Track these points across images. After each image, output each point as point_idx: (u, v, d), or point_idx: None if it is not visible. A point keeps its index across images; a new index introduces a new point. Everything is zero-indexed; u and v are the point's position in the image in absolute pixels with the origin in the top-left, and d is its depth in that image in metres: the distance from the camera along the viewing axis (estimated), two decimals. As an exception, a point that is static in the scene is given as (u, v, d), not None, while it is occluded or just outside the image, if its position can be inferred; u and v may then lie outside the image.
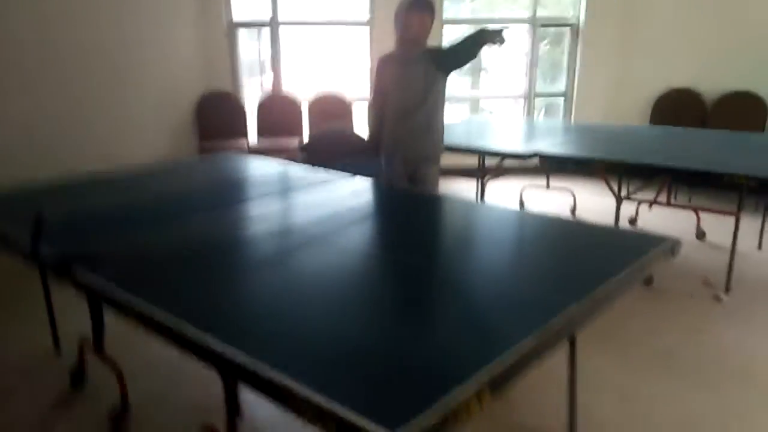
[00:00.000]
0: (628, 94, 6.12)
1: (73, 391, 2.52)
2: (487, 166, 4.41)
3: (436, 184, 3.25)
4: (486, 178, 4.21)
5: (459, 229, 2.30)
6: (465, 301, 1.51)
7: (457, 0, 6.90)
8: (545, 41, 6.91)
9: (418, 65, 3.05)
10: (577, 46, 6.32)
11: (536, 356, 1.24)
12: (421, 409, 0.98)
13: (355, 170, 2.93)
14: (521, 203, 5.20)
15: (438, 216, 2.48)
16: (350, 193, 2.60)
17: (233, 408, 1.85)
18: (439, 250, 1.99)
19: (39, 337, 2.90)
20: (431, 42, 3.14)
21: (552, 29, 6.65)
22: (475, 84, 7.66)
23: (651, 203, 4.37)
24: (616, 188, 3.84)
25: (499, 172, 3.96)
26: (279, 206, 2.45)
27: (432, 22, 3.06)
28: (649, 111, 6.06)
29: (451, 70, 3.10)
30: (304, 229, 2.10)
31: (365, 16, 6.22)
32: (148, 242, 1.98)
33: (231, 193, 2.71)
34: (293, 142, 5.81)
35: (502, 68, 7.23)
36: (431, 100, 3.07)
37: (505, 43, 2.84)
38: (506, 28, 2.85)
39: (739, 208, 3.33)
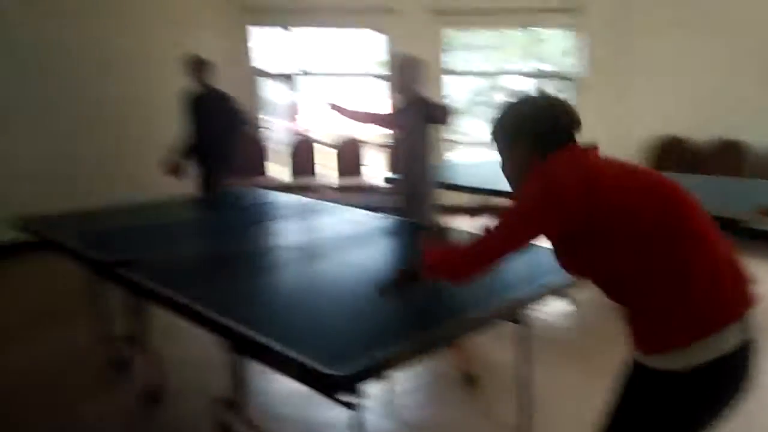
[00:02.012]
0: (625, 140, 6.54)
1: (116, 377, 3.06)
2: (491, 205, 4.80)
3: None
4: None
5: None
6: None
7: (460, 50, 7.47)
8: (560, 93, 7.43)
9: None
10: (578, 96, 6.83)
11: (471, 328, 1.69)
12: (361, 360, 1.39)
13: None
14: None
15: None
16: (351, 221, 3.12)
17: (239, 380, 2.35)
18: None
19: (85, 331, 3.46)
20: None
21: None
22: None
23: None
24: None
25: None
26: (291, 227, 3.00)
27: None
28: (644, 156, 6.48)
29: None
30: (314, 246, 2.64)
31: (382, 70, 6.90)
32: (184, 252, 2.55)
33: (251, 217, 3.29)
34: (313, 180, 6.47)
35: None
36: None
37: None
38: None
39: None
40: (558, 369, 3.05)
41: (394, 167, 3.89)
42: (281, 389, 2.87)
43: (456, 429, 2.62)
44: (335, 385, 1.33)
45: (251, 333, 1.58)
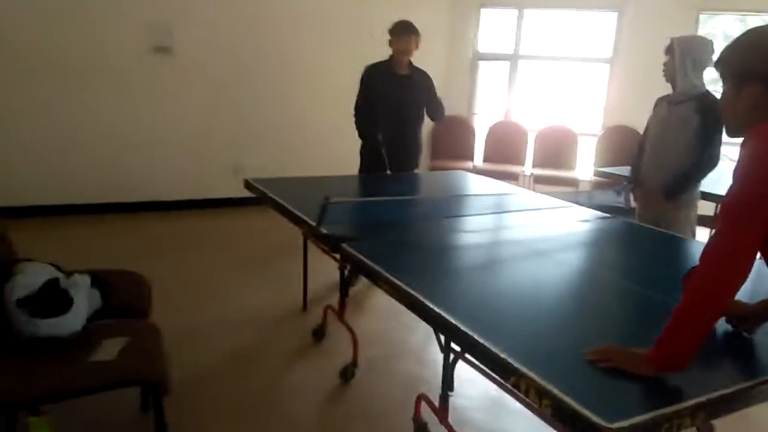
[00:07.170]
0: None
1: (314, 344, 3.11)
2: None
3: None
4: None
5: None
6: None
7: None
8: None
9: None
10: None
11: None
12: (635, 413, 1.11)
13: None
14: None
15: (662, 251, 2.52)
16: (574, 219, 2.79)
17: (448, 382, 2.18)
18: (658, 279, 2.04)
19: (292, 296, 3.61)
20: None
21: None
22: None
23: None
24: None
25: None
26: (507, 221, 2.76)
27: None
28: None
29: None
30: (528, 243, 2.37)
31: (607, 54, 6.27)
32: (401, 235, 2.43)
33: (467, 206, 3.09)
34: (516, 169, 6.10)
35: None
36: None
37: None
38: None
39: None
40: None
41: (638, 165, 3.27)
42: (479, 394, 2.68)
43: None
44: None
45: (494, 348, 1.37)
